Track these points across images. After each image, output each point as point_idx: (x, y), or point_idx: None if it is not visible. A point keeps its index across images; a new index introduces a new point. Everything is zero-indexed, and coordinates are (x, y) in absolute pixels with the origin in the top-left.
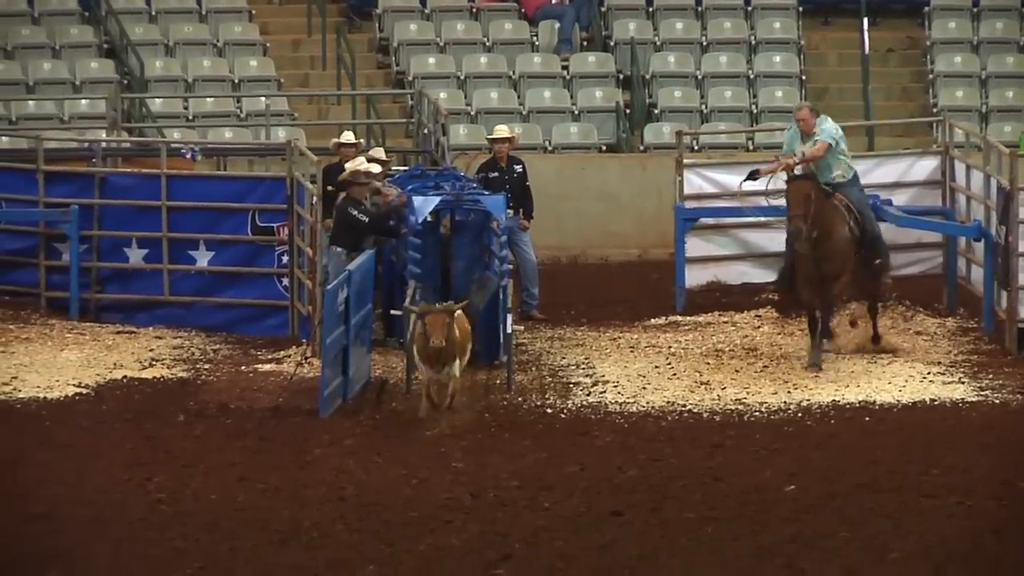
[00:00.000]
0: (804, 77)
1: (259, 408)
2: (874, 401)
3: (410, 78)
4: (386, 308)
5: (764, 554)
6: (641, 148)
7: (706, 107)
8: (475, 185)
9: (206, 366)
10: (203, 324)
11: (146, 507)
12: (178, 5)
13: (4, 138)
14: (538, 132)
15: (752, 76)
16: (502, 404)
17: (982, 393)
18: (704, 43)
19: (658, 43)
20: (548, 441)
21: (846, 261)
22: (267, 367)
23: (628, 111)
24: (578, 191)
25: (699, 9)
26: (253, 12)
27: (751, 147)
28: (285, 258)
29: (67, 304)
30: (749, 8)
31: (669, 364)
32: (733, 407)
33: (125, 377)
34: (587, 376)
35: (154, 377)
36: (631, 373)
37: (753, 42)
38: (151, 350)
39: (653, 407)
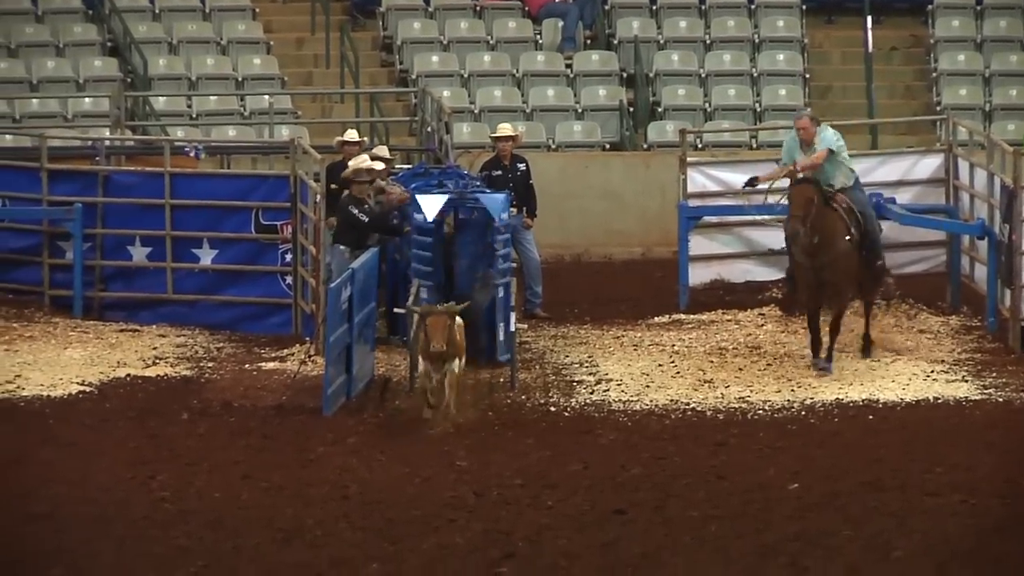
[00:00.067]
0: (808, 75)
1: (263, 406)
2: (878, 399)
3: (414, 76)
4: (390, 306)
5: (768, 552)
6: (645, 146)
7: (710, 105)
8: (478, 183)
9: (210, 364)
10: (207, 322)
11: (149, 505)
12: (182, 3)
13: (8, 136)
14: (542, 130)
15: (756, 74)
16: (506, 402)
17: (985, 391)
18: (708, 41)
19: (662, 41)
20: (552, 439)
21: (847, 271)
22: (271, 365)
23: (632, 109)
24: (582, 189)
25: (703, 7)
26: (257, 10)
27: (755, 145)
28: (288, 256)
29: (71, 302)
30: (753, 6)
31: (673, 362)
32: (737, 405)
33: (128, 375)
34: (591, 374)
35: (158, 375)
36: (635, 371)
37: (757, 40)
38: (155, 348)
39: (657, 405)
